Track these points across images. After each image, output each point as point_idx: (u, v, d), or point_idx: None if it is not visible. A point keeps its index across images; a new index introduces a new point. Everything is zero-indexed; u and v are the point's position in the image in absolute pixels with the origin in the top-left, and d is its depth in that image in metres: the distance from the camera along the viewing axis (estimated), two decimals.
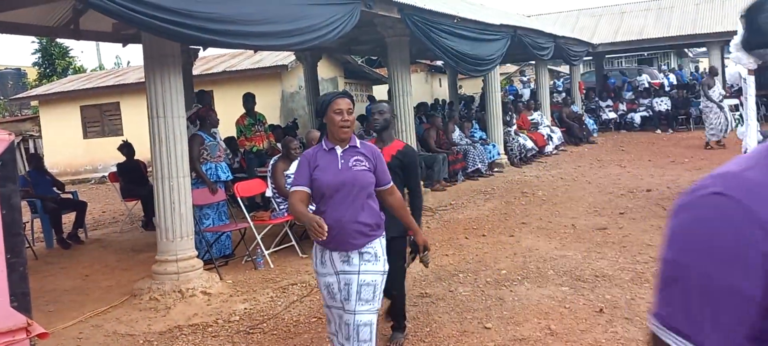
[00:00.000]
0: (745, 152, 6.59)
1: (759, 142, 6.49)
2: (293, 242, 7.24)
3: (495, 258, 6.52)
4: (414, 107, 11.16)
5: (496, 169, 12.76)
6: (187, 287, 5.76)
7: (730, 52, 6.45)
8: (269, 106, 15.71)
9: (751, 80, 6.36)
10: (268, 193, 7.33)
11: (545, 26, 16.30)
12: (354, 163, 3.34)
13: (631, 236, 7.06)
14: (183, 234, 5.94)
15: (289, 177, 6.72)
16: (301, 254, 7.08)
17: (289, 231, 7.28)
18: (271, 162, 7.40)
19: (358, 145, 3.42)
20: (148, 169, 7.48)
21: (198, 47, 10.51)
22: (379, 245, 3.41)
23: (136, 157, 10.00)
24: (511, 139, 13.93)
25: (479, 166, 12.30)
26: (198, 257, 6.16)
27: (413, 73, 19.89)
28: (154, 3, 4.79)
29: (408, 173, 4.32)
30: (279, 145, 9.34)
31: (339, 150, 3.36)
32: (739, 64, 6.39)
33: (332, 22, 6.81)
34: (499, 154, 13.05)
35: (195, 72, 13.29)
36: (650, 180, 10.59)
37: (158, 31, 5.11)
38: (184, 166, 5.98)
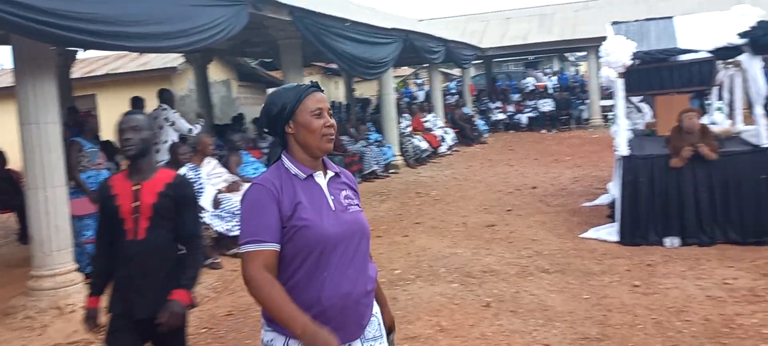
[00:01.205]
0: (615, 150, 7.08)
1: (628, 140, 7.00)
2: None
3: (390, 258, 6.62)
4: None
5: (391, 171, 12.97)
6: (66, 302, 5.41)
7: (601, 56, 6.91)
8: None
9: (620, 83, 6.84)
10: None
11: (436, 30, 16.70)
12: (346, 200, 2.17)
13: (517, 231, 7.40)
14: (60, 247, 5.59)
15: None
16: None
17: None
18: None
19: (338, 170, 2.26)
20: (22, 179, 6.98)
21: (76, 49, 9.93)
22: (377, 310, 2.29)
23: (8, 167, 9.29)
24: (406, 140, 14.19)
25: (375, 167, 12.45)
26: (79, 270, 5.81)
27: (308, 75, 19.79)
28: (20, 2, 4.46)
29: (183, 217, 2.92)
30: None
31: (321, 179, 2.16)
32: (609, 67, 6.85)
33: (219, 23, 6.63)
34: (394, 155, 13.26)
35: (76, 75, 12.56)
36: (535, 178, 11.14)
37: (26, 31, 4.77)
38: (60, 174, 5.63)
